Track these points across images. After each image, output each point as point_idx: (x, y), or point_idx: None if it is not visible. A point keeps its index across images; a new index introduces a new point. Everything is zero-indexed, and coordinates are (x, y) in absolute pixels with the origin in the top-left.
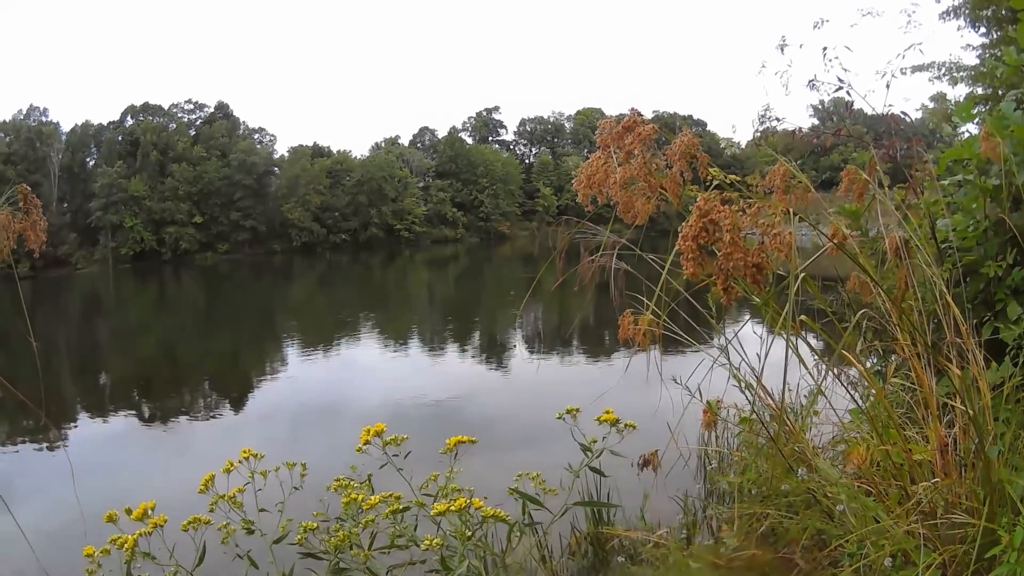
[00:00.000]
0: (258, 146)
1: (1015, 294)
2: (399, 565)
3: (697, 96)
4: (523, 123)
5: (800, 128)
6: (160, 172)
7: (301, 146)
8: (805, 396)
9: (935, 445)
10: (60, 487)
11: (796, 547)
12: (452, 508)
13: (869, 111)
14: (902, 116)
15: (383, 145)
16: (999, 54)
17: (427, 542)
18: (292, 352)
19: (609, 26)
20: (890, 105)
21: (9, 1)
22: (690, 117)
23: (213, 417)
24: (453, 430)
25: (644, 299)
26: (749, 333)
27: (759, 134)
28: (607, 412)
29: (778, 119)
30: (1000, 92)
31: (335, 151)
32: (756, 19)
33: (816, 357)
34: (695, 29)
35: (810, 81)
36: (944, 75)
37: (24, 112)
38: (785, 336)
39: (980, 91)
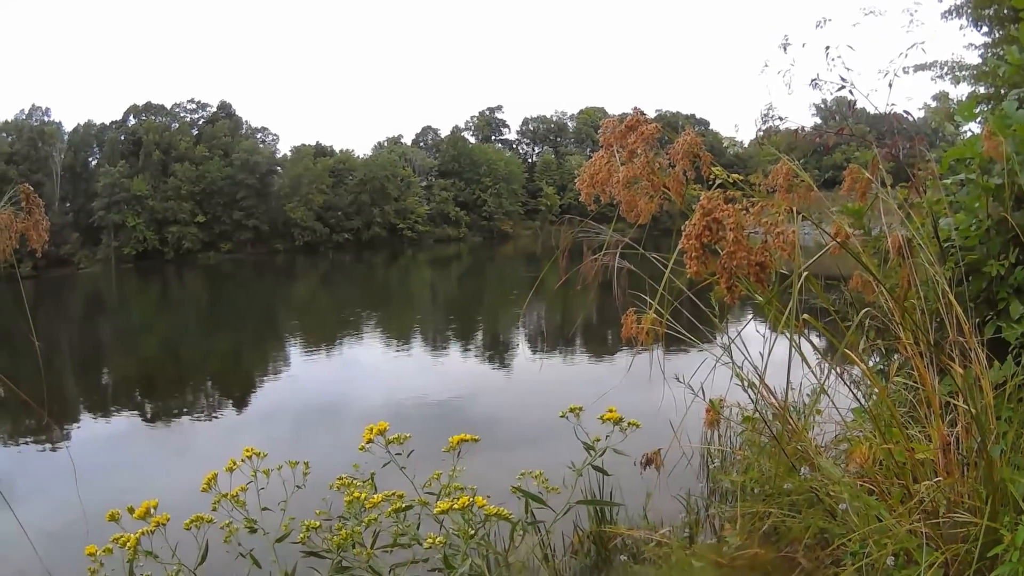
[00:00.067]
0: (261, 145)
1: (1017, 293)
2: (402, 564)
3: (700, 95)
4: (526, 122)
5: (803, 127)
6: (163, 171)
7: (304, 145)
8: (808, 395)
9: (937, 444)
10: (62, 486)
11: (799, 546)
12: (455, 506)
13: (872, 110)
14: (904, 115)
15: (386, 144)
16: (1001, 53)
17: (430, 540)
18: (294, 351)
19: (612, 25)
20: (892, 104)
21: (12, 1)
22: (693, 116)
23: (215, 416)
24: (456, 429)
25: (647, 298)
26: (752, 332)
27: (762, 133)
28: (610, 411)
29: (781, 118)
30: (1003, 91)
31: (338, 150)
32: (759, 18)
33: (819, 356)
34: (698, 28)
35: (813, 80)
36: (946, 74)
37: (26, 112)
38: (788, 335)
39: (982, 90)
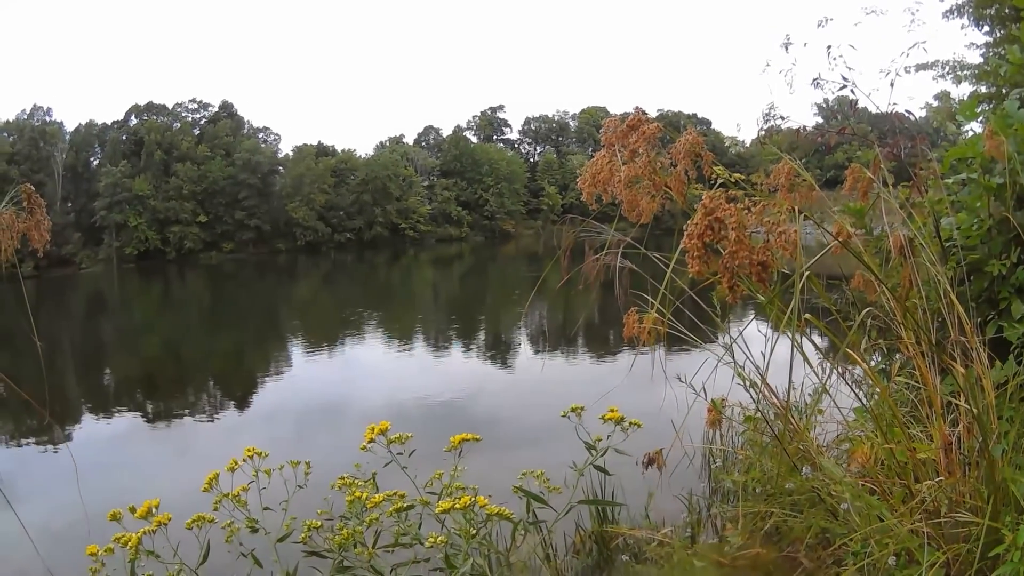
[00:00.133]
0: (262, 145)
1: (1019, 292)
2: (403, 564)
3: (701, 95)
4: (528, 122)
5: (804, 126)
6: (164, 171)
7: (306, 145)
8: (809, 395)
9: (939, 444)
10: (63, 486)
11: (800, 546)
12: (457, 506)
13: (873, 109)
14: (906, 114)
15: (388, 144)
16: (1003, 53)
17: (432, 540)
18: (296, 351)
19: (613, 25)
20: (894, 104)
21: (13, 1)
22: (695, 116)
23: (217, 416)
24: (457, 429)
25: (649, 297)
26: (754, 332)
27: (763, 133)
28: (611, 410)
29: (782, 118)
30: (1004, 91)
31: (340, 150)
32: (761, 18)
33: (820, 356)
34: (699, 27)
35: (814, 80)
36: (948, 74)
37: (28, 112)
38: (790, 334)
39: (984, 89)
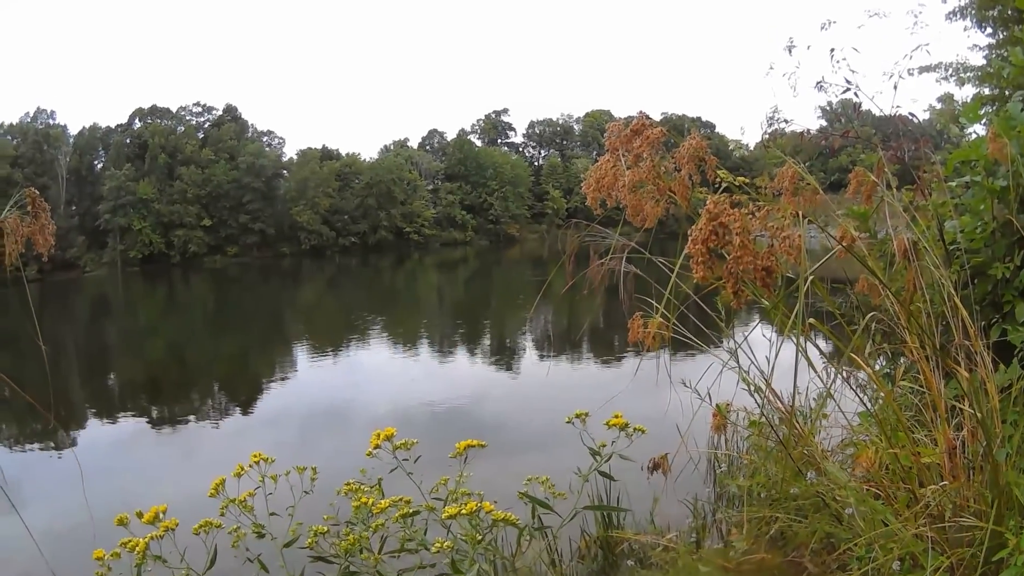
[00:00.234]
0: (267, 149)
1: (1023, 295)
2: (409, 569)
3: (706, 98)
4: (532, 125)
5: (808, 130)
6: (168, 175)
7: (310, 149)
8: (814, 399)
9: (943, 448)
10: (67, 490)
11: (805, 550)
12: (463, 511)
13: (877, 112)
14: (909, 117)
15: (392, 148)
16: (1005, 54)
17: (438, 545)
18: (301, 355)
19: (618, 28)
20: (897, 106)
21: (16, 3)
22: (699, 119)
23: (221, 421)
24: (462, 434)
25: (653, 302)
26: (758, 336)
27: (767, 136)
28: (616, 416)
29: (786, 121)
30: (1007, 92)
31: (344, 154)
32: (764, 21)
33: (825, 360)
34: (703, 31)
35: (818, 83)
36: (951, 76)
37: (31, 115)
38: (795, 339)
39: (987, 92)
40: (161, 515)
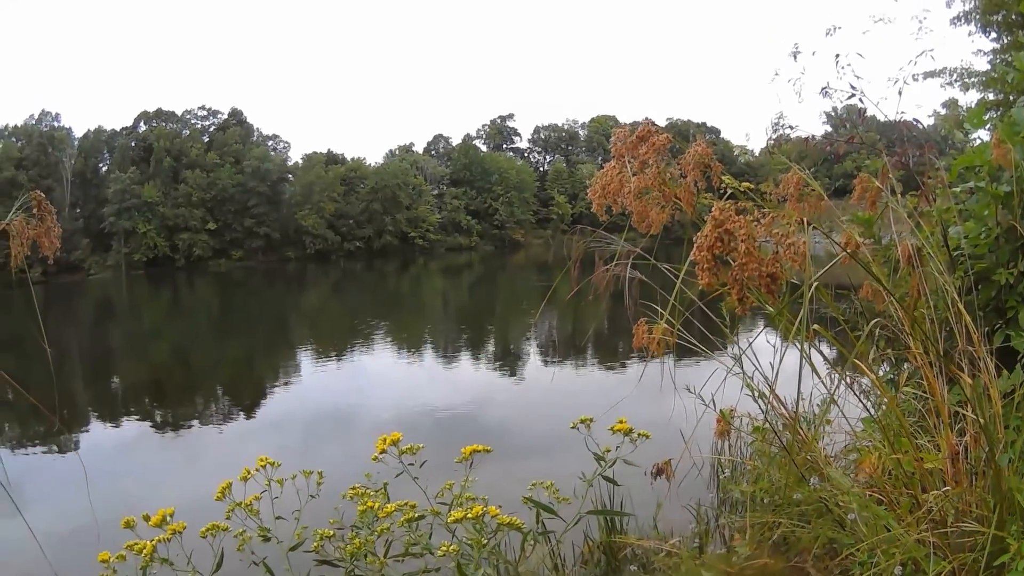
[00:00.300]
0: (272, 153)
1: None
2: (414, 573)
3: (711, 104)
4: (537, 130)
5: (813, 136)
6: (173, 178)
7: (315, 153)
8: (818, 405)
9: (946, 453)
10: (70, 492)
11: (808, 556)
12: (469, 516)
13: (881, 118)
14: (914, 123)
15: (397, 152)
16: (1010, 59)
17: (443, 548)
18: (305, 360)
19: (623, 33)
20: (902, 112)
21: (22, 6)
22: (704, 124)
23: (225, 424)
24: (467, 439)
25: (658, 308)
26: (763, 342)
27: (772, 142)
28: (620, 421)
29: (791, 127)
30: (1011, 97)
31: (349, 158)
32: (770, 27)
33: (829, 366)
34: (709, 37)
35: (823, 88)
36: (955, 81)
37: (36, 117)
38: (799, 345)
39: (991, 97)
40: (168, 518)
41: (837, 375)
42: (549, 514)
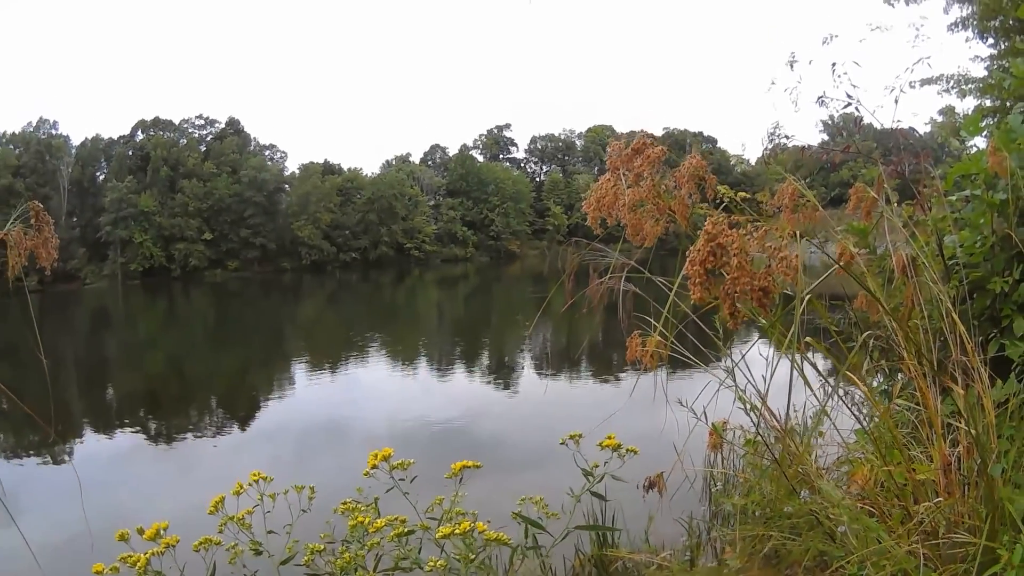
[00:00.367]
0: (269, 163)
1: (1021, 310)
2: None
3: (708, 113)
4: (534, 141)
5: (809, 145)
6: (170, 188)
7: (312, 163)
8: (811, 417)
9: (939, 464)
10: (64, 503)
11: (799, 568)
12: (456, 531)
13: (878, 126)
14: (910, 131)
15: (394, 163)
16: (1007, 65)
17: (431, 564)
18: (300, 371)
19: (620, 44)
20: (898, 120)
21: (20, 14)
22: (700, 134)
23: (219, 436)
24: (459, 452)
25: (652, 320)
26: (757, 355)
27: (768, 152)
28: (609, 437)
29: (787, 136)
30: (1008, 104)
31: (346, 168)
32: (767, 36)
33: (822, 378)
34: (706, 46)
35: (819, 97)
36: (952, 88)
37: (34, 125)
38: (790, 358)
39: (988, 103)
40: (162, 531)
41: (830, 387)
42: (538, 529)
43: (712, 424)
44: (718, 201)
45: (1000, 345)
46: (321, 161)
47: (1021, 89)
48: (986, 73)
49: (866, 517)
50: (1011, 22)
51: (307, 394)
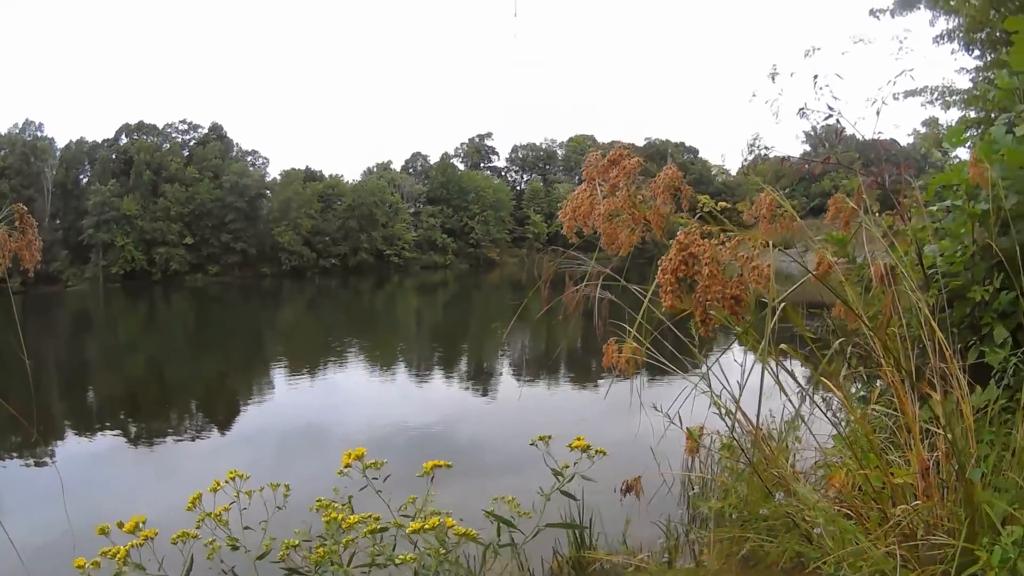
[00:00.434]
0: (251, 168)
1: (1002, 317)
2: None
3: (690, 123)
4: (515, 150)
5: (789, 156)
6: (153, 192)
7: (293, 170)
8: (785, 422)
9: (917, 468)
10: (43, 504)
11: (776, 569)
12: (426, 527)
13: (860, 138)
14: (892, 143)
15: (375, 170)
16: (992, 77)
17: (402, 558)
18: (279, 376)
19: (602, 54)
20: (879, 132)
21: (5, 16)
22: (683, 144)
23: (199, 438)
24: (436, 457)
25: (627, 327)
26: (734, 361)
27: (748, 163)
28: (578, 439)
29: (767, 147)
30: (992, 115)
31: (327, 175)
32: (749, 48)
33: (798, 384)
34: (688, 57)
35: (800, 109)
36: (937, 99)
37: (19, 126)
38: (763, 364)
39: (973, 115)
40: (141, 525)
41: (807, 392)
42: (509, 527)
43: (687, 428)
44: (696, 211)
45: (980, 352)
46: (302, 167)
47: (1005, 101)
48: (971, 85)
49: (842, 519)
50: (997, 34)
51: (286, 399)
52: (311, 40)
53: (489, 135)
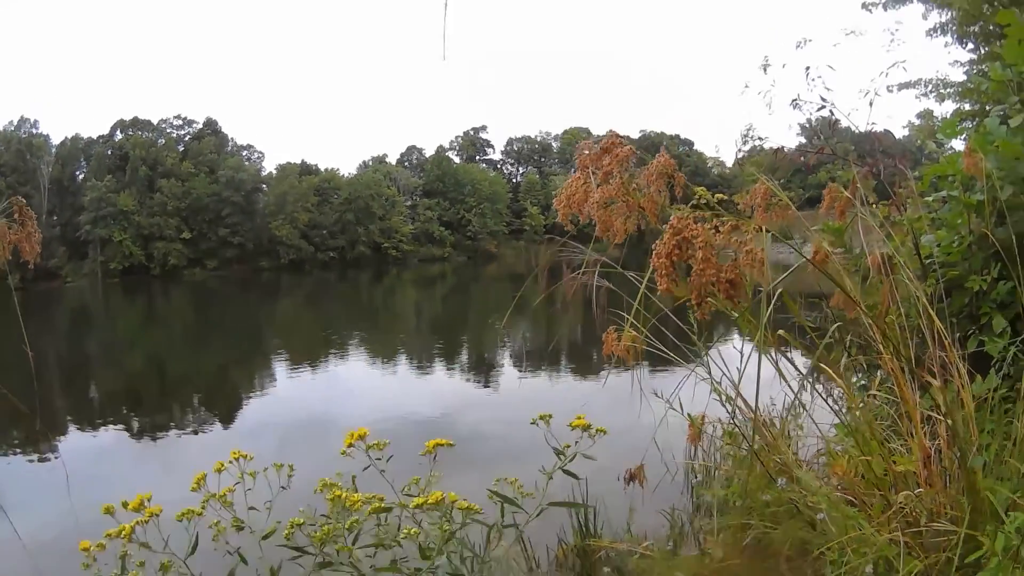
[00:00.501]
0: (246, 163)
1: (1000, 307)
2: (384, 569)
3: (685, 116)
4: (510, 142)
5: (783, 147)
6: (149, 187)
7: (289, 163)
8: (786, 409)
9: (919, 456)
10: (49, 498)
11: (780, 556)
12: (428, 501)
13: (854, 129)
14: (887, 134)
15: (371, 163)
16: (985, 70)
17: (406, 532)
18: (279, 369)
19: (596, 46)
20: (873, 123)
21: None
22: (677, 136)
23: (200, 432)
24: (439, 448)
25: (626, 315)
26: (735, 348)
27: (742, 154)
28: (579, 418)
29: (760, 139)
30: (987, 108)
31: (323, 169)
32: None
33: (799, 371)
34: (682, 49)
35: (793, 100)
36: (931, 92)
37: (15, 123)
38: (760, 351)
39: (967, 107)
40: (146, 502)
41: (808, 381)
42: (513, 508)
43: (688, 416)
44: (695, 202)
45: (979, 342)
46: (298, 161)
47: (999, 93)
48: (965, 78)
49: (844, 505)
50: (991, 27)
51: (286, 392)
52: (305, 35)
53: (484, 128)
